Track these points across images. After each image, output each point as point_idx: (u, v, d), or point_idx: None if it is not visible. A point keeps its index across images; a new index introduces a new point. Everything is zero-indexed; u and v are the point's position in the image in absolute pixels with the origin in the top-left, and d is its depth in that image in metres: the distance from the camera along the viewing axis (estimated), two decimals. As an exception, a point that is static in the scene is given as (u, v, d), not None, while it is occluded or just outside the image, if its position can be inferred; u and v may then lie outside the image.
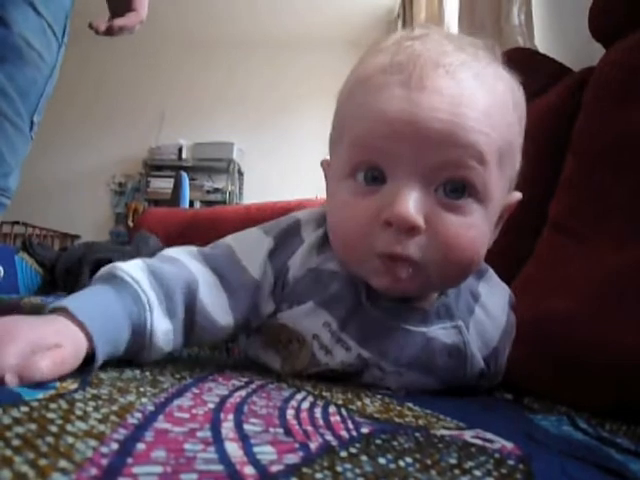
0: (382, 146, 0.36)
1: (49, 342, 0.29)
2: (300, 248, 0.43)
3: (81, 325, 0.31)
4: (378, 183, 0.37)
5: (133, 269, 0.38)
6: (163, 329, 0.37)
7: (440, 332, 0.42)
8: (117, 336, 0.34)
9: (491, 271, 0.49)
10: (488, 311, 0.46)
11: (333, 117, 0.42)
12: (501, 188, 0.39)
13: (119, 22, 0.83)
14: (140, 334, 0.36)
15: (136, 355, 0.37)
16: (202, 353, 0.57)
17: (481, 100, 0.35)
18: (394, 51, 0.37)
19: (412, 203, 0.35)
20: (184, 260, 0.41)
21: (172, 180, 3.43)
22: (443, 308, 0.43)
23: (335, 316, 0.41)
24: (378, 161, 0.37)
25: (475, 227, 0.37)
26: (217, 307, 0.40)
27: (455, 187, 0.36)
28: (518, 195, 0.43)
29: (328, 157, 0.44)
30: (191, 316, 0.39)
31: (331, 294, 0.42)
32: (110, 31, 0.83)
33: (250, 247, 0.43)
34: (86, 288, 0.37)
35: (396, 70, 0.36)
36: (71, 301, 0.33)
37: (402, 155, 0.35)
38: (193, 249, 0.43)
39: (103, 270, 0.39)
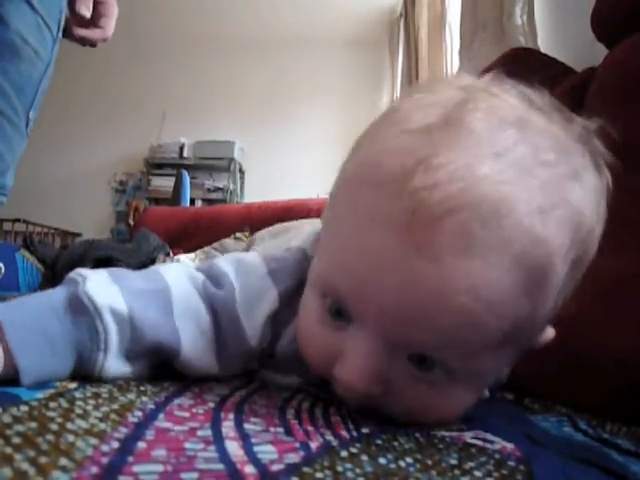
0: (347, 301, 0.29)
1: None
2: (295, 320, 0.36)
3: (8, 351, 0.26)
4: (343, 321, 0.30)
5: (104, 295, 0.31)
6: (117, 371, 0.31)
7: None
8: (54, 368, 0.29)
9: None
10: None
11: (333, 185, 0.33)
12: (505, 358, 0.31)
13: (82, 32, 0.83)
14: (87, 370, 0.30)
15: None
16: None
17: (495, 283, 0.25)
18: (413, 148, 0.26)
19: (368, 366, 0.28)
20: (178, 294, 0.34)
21: (173, 178, 3.43)
22: None
23: (324, 393, 0.36)
24: (346, 304, 0.29)
25: (452, 405, 0.30)
26: (203, 363, 0.34)
27: (430, 363, 0.28)
28: (549, 335, 0.33)
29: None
30: (165, 365, 0.34)
31: (316, 378, 0.35)
32: (71, 36, 0.83)
33: (252, 300, 0.36)
34: (42, 294, 0.31)
35: (395, 194, 0.25)
36: (10, 314, 0.28)
37: (368, 316, 0.28)
38: (198, 279, 0.36)
39: (69, 278, 0.32)
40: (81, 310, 0.30)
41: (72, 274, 0.32)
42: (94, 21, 0.83)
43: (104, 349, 0.30)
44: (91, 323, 0.30)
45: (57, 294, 0.31)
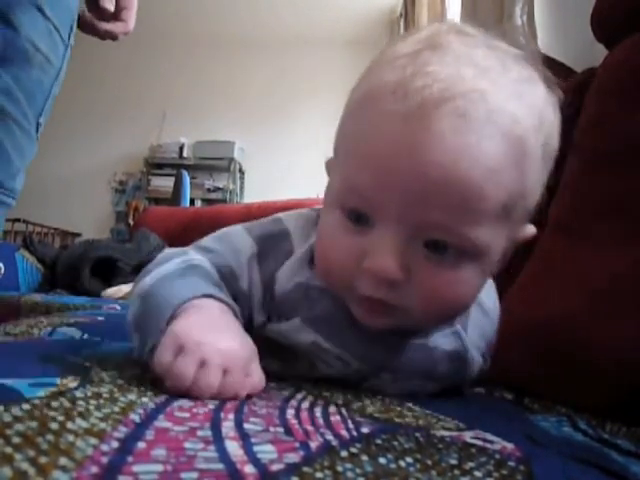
0: (369, 195, 0.33)
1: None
2: (290, 259, 0.41)
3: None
4: (364, 224, 0.34)
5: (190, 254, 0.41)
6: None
7: (440, 340, 0.41)
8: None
9: None
10: (483, 308, 0.45)
11: (341, 117, 0.39)
12: (504, 238, 0.35)
13: (106, 26, 0.83)
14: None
15: None
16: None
17: (489, 152, 0.30)
18: (405, 67, 0.32)
19: (393, 256, 0.32)
20: (200, 262, 0.41)
21: (173, 178, 3.44)
22: None
23: (325, 335, 0.40)
24: (364, 208, 0.34)
25: (463, 282, 0.34)
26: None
27: (440, 245, 0.33)
28: (532, 230, 0.39)
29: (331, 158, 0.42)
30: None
31: (317, 314, 0.40)
32: (95, 30, 0.83)
33: (234, 250, 0.42)
34: (178, 279, 0.38)
35: (400, 96, 0.31)
36: (204, 289, 0.36)
37: (389, 205, 0.32)
38: (192, 250, 0.42)
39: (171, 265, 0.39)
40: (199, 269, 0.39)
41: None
42: (116, 14, 0.84)
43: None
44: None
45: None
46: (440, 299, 0.34)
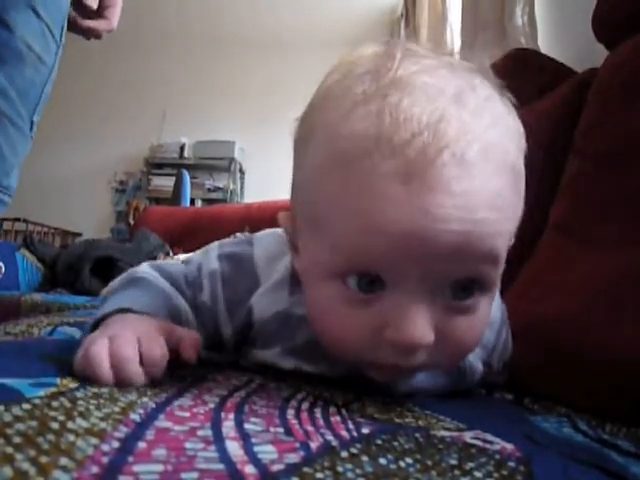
0: (380, 259, 0.29)
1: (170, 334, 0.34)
2: (264, 285, 0.40)
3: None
4: (376, 289, 0.31)
5: (146, 269, 0.42)
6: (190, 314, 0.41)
7: None
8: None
9: None
10: None
11: (294, 170, 0.35)
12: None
13: (88, 23, 0.84)
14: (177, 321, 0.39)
15: None
16: (202, 352, 0.57)
17: (494, 190, 0.29)
18: (378, 111, 0.29)
19: (421, 320, 0.30)
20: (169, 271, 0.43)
21: (173, 178, 3.43)
22: None
23: (307, 362, 0.40)
24: (374, 269, 0.30)
25: (480, 322, 0.34)
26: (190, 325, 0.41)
27: (465, 286, 0.31)
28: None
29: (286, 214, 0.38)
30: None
31: (298, 344, 0.39)
32: (78, 28, 0.84)
33: (200, 264, 0.43)
34: (115, 294, 0.39)
35: (387, 152, 0.28)
36: (124, 302, 0.36)
37: (406, 268, 0.29)
38: (174, 264, 0.45)
39: (116, 282, 0.42)
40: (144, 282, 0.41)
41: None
42: (99, 12, 0.85)
43: (175, 297, 0.41)
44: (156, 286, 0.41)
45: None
46: (466, 346, 0.34)
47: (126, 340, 0.30)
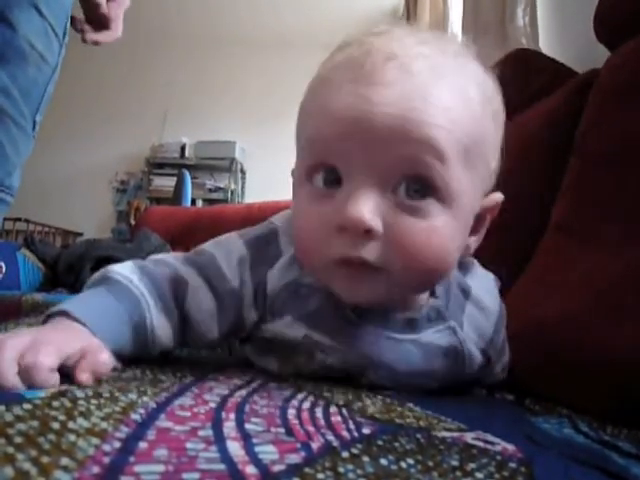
0: (333, 146, 0.34)
1: (74, 347, 0.30)
2: (279, 260, 0.42)
3: (84, 326, 0.33)
4: (335, 186, 0.35)
5: (125, 271, 0.39)
6: (162, 326, 0.38)
7: (434, 336, 0.42)
8: (120, 336, 0.35)
9: (476, 263, 0.47)
10: (480, 304, 0.45)
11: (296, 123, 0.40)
12: (471, 188, 0.36)
13: (93, 37, 0.84)
14: (142, 333, 0.37)
15: (141, 352, 0.38)
16: (203, 352, 0.57)
17: (436, 93, 0.33)
18: (353, 48, 0.36)
19: (367, 205, 0.33)
20: (173, 263, 0.42)
21: (174, 178, 3.43)
22: (433, 312, 0.42)
23: (317, 329, 0.40)
24: (332, 162, 0.35)
25: (437, 232, 0.34)
26: (204, 313, 0.40)
27: (415, 187, 0.34)
28: (498, 196, 0.41)
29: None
30: (183, 315, 0.40)
31: (309, 311, 0.41)
32: (83, 37, 0.84)
33: (226, 253, 0.42)
34: (82, 292, 0.38)
35: (349, 65, 0.34)
36: (71, 305, 0.34)
37: (354, 154, 0.33)
38: (179, 254, 0.44)
39: (96, 275, 0.39)
40: (118, 287, 0.37)
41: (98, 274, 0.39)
42: (106, 23, 0.85)
43: (147, 309, 0.37)
44: (130, 294, 0.37)
45: (90, 287, 0.38)
46: (417, 250, 0.34)
47: (19, 346, 0.28)
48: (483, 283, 0.47)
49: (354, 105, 0.33)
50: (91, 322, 0.33)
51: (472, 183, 0.36)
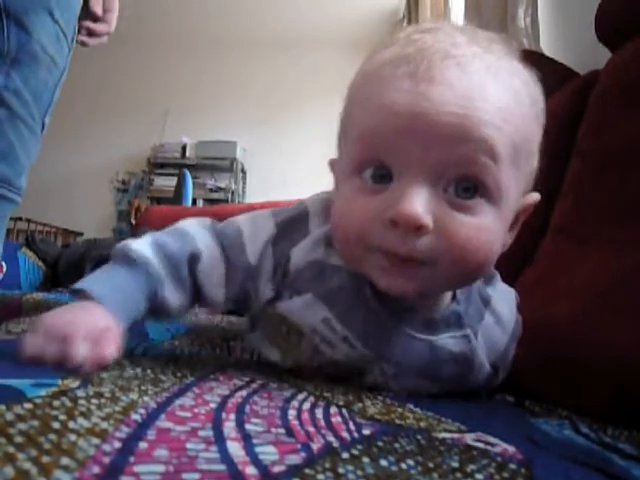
0: (389, 142, 0.34)
1: (100, 327, 0.34)
2: (306, 239, 0.43)
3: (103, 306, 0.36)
4: (385, 181, 0.35)
5: (142, 248, 0.41)
6: (176, 302, 0.42)
7: (448, 341, 0.42)
8: (135, 311, 0.40)
9: (497, 275, 0.48)
10: (498, 316, 0.45)
11: (341, 114, 0.41)
12: (516, 187, 0.37)
13: (90, 24, 0.86)
14: (156, 308, 0.41)
15: (156, 318, 0.44)
16: (203, 352, 0.57)
17: (494, 93, 0.34)
18: (403, 44, 0.36)
19: (419, 201, 0.33)
20: (194, 233, 0.44)
21: (175, 178, 3.43)
22: (454, 316, 0.42)
23: (335, 312, 0.40)
24: (385, 158, 0.35)
25: (486, 229, 0.35)
26: (212, 278, 0.43)
27: (466, 186, 0.34)
28: (536, 196, 0.41)
29: (335, 157, 0.43)
30: (194, 282, 0.43)
31: (331, 288, 0.41)
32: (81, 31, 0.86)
33: (255, 230, 0.44)
34: (102, 269, 0.41)
35: (404, 62, 0.34)
36: (89, 284, 0.38)
37: (410, 151, 0.34)
38: (207, 221, 0.46)
39: (116, 249, 0.42)
40: (134, 264, 0.40)
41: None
42: (100, 16, 0.87)
43: (160, 286, 0.40)
44: (146, 272, 0.40)
45: (111, 263, 0.41)
46: (466, 245, 0.34)
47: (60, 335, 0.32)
48: (504, 295, 0.47)
49: (414, 102, 0.33)
50: (109, 302, 0.37)
51: (517, 183, 0.37)
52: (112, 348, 0.33)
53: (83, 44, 0.87)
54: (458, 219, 0.34)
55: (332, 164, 0.44)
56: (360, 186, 0.36)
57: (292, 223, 0.44)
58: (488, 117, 0.33)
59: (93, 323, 0.34)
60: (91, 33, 0.86)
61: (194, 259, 0.42)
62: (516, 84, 0.36)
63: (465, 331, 0.42)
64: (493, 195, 0.34)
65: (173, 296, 0.42)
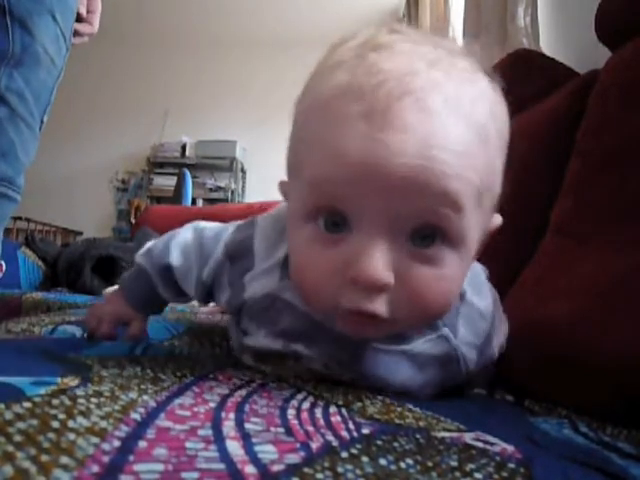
0: (343, 192, 0.32)
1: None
2: (259, 267, 0.42)
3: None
4: (341, 231, 0.33)
5: (139, 258, 0.52)
6: (169, 297, 0.52)
7: (426, 345, 0.41)
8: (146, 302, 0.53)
9: None
10: (475, 305, 0.44)
11: (289, 137, 0.38)
12: (479, 227, 0.35)
13: (76, 25, 0.87)
14: (156, 301, 0.54)
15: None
16: (203, 351, 0.57)
17: (456, 137, 0.31)
18: (355, 66, 0.32)
19: (381, 259, 0.31)
20: (172, 248, 0.50)
21: (175, 177, 3.44)
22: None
23: (297, 343, 0.40)
24: (340, 207, 0.32)
25: (447, 278, 0.34)
26: (187, 283, 0.49)
27: (426, 233, 0.32)
28: (498, 221, 0.40)
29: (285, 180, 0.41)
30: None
31: (284, 326, 0.41)
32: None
33: (209, 247, 0.47)
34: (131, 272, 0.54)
35: (357, 96, 0.31)
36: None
37: (367, 202, 0.31)
38: (199, 227, 0.51)
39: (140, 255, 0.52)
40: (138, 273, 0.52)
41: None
42: (83, 17, 0.89)
43: (156, 285, 0.50)
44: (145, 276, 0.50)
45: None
46: (426, 299, 0.33)
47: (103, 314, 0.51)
48: (476, 280, 0.45)
49: (369, 151, 0.30)
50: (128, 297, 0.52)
51: (480, 221, 0.35)
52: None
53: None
54: (418, 271, 0.33)
55: (283, 188, 0.41)
56: (315, 235, 0.34)
57: (239, 247, 0.45)
58: (449, 167, 0.30)
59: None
60: (75, 33, 0.88)
61: (168, 269, 0.49)
62: (480, 116, 0.33)
63: (441, 332, 0.41)
64: (454, 241, 0.33)
65: (166, 293, 0.51)
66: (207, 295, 0.49)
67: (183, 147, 3.89)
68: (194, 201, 3.56)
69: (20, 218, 3.12)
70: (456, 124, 0.31)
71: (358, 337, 0.37)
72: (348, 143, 0.30)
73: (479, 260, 0.47)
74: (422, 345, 0.40)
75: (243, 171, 3.99)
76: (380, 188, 0.31)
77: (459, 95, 0.32)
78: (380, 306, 0.33)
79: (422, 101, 0.30)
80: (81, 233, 3.76)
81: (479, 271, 0.47)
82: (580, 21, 0.99)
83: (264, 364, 0.44)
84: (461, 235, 0.33)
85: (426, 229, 0.32)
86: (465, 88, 0.33)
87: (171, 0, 3.65)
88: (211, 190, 3.87)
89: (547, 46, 1.19)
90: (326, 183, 0.32)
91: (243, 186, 4.00)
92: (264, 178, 3.90)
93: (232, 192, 3.83)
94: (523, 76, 0.89)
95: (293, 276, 0.37)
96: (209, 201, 3.73)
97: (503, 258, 0.66)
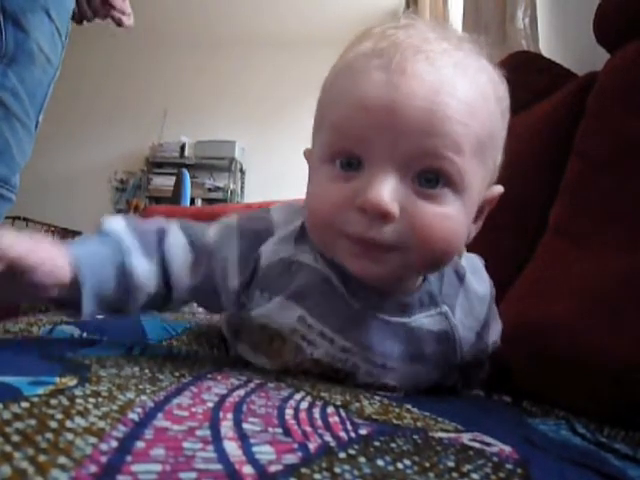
0: (359, 134, 0.36)
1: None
2: (274, 237, 0.44)
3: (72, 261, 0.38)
4: (355, 169, 0.37)
5: (114, 222, 0.43)
6: (143, 268, 0.41)
7: (425, 320, 0.43)
8: (104, 277, 0.39)
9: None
10: (473, 288, 0.46)
11: (316, 104, 0.42)
12: (480, 179, 0.38)
13: (124, 20, 0.86)
14: (123, 274, 0.40)
15: (125, 302, 0.41)
16: (201, 351, 0.57)
17: (461, 89, 0.35)
18: (377, 38, 0.37)
19: (387, 190, 0.35)
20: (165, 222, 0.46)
21: (174, 177, 3.43)
22: (426, 296, 0.43)
23: (307, 308, 0.41)
24: (355, 148, 0.36)
25: (450, 218, 0.36)
26: (179, 258, 0.43)
27: (430, 176, 0.36)
28: (499, 189, 0.43)
29: (310, 147, 0.45)
30: (164, 266, 0.43)
31: (299, 286, 0.42)
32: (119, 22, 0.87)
33: (224, 248, 0.44)
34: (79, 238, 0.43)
35: (377, 55, 0.36)
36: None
37: (379, 142, 0.35)
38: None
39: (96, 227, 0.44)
40: (106, 236, 0.41)
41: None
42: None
43: (128, 252, 0.40)
44: (115, 242, 0.40)
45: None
46: (431, 232, 0.36)
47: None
48: (475, 266, 0.48)
49: (385, 95, 0.34)
50: (81, 263, 0.38)
51: (481, 175, 0.38)
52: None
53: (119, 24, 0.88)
54: (423, 207, 0.36)
55: (307, 154, 0.45)
56: (332, 174, 0.38)
57: (257, 237, 0.45)
58: (454, 112, 0.34)
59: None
60: (118, 25, 0.89)
61: (162, 232, 0.44)
62: (483, 81, 0.37)
63: (441, 309, 0.43)
64: (457, 186, 0.36)
65: (141, 263, 0.41)
66: (207, 277, 0.45)
67: (182, 147, 3.89)
68: (193, 201, 3.55)
69: (18, 218, 3.12)
70: (462, 82, 0.35)
71: (364, 275, 0.38)
72: (366, 89, 0.35)
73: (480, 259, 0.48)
74: (422, 319, 0.42)
75: (242, 171, 3.99)
76: (391, 128, 0.34)
77: (465, 62, 0.37)
78: (383, 234, 0.35)
79: (433, 60, 0.35)
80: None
81: (477, 259, 0.49)
82: (579, 23, 0.99)
83: (259, 351, 0.45)
84: (463, 180, 0.36)
85: (430, 172, 0.35)
86: (471, 60, 0.37)
87: (170, 0, 3.65)
88: (210, 190, 3.86)
89: (546, 48, 1.19)
90: (345, 125, 0.36)
91: (242, 186, 4.00)
92: (263, 178, 3.92)
93: (231, 192, 3.83)
94: (522, 78, 0.89)
95: (307, 209, 0.40)
96: (208, 201, 3.73)
97: (503, 258, 0.66)
